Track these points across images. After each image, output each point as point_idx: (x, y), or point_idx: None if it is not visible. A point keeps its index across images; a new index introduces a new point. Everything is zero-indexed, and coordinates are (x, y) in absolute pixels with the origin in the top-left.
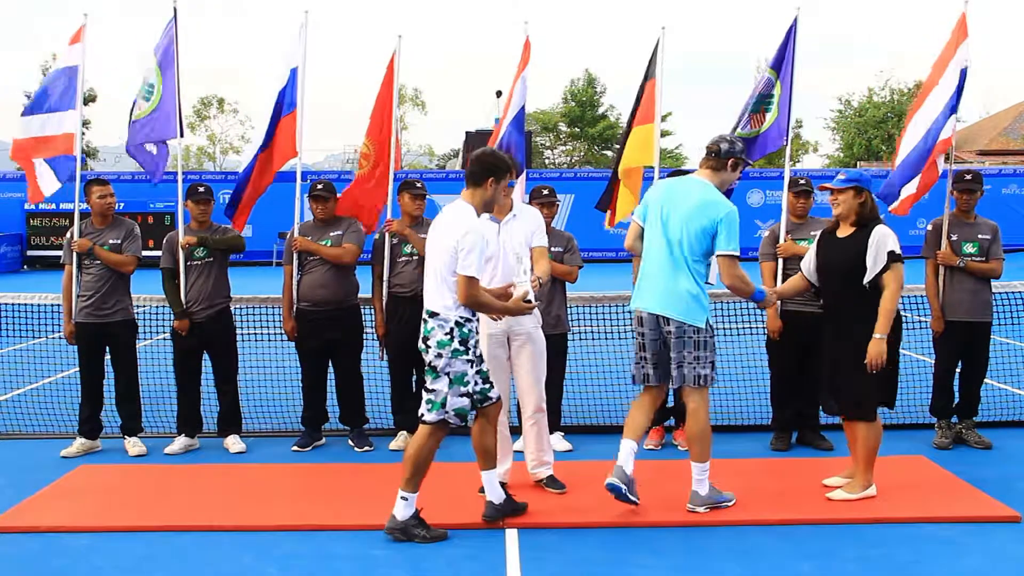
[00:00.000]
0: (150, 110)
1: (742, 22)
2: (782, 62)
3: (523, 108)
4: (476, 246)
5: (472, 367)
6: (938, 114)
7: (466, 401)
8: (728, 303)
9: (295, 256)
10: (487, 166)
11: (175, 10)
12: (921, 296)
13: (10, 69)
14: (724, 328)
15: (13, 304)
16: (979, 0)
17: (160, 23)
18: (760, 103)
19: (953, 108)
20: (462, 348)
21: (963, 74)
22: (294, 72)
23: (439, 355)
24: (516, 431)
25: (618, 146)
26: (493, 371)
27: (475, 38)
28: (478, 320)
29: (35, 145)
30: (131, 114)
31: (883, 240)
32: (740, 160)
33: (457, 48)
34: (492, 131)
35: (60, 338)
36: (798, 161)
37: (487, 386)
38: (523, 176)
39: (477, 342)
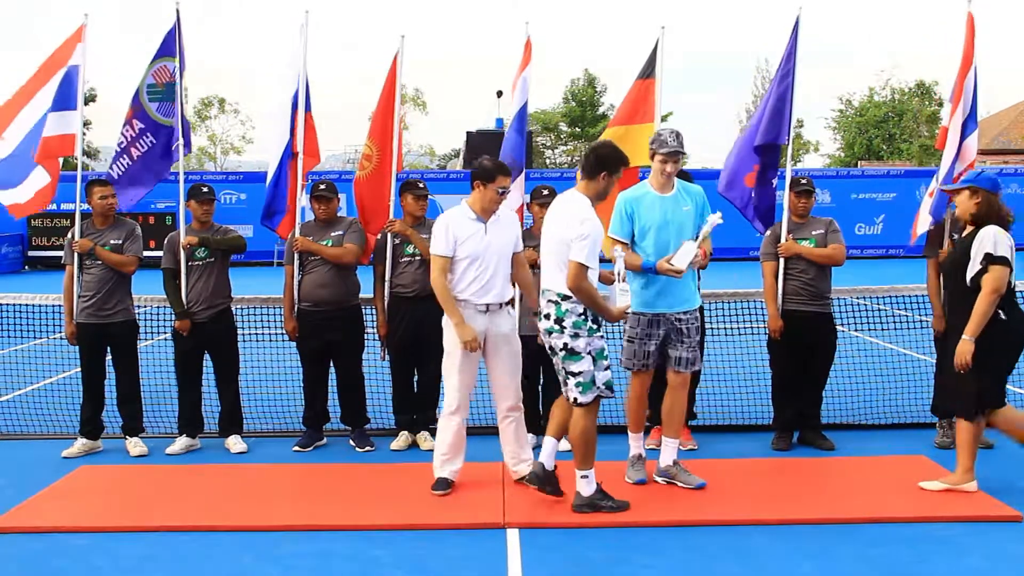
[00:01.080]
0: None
1: (742, 22)
2: (783, 59)
3: (525, 108)
4: (591, 235)
5: (604, 342)
6: (960, 123)
7: (610, 372)
8: (729, 303)
9: (296, 256)
10: (600, 159)
11: (177, 11)
12: (922, 295)
13: (10, 69)
14: (725, 328)
15: (14, 304)
16: (979, 0)
17: (159, 22)
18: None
19: (972, 117)
20: (596, 326)
21: (974, 76)
22: (299, 75)
23: (576, 335)
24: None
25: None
26: (464, 370)
27: (476, 38)
28: None
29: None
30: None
31: (985, 241)
32: (652, 151)
33: (458, 48)
34: (498, 132)
35: (61, 338)
36: (799, 161)
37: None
38: (522, 176)
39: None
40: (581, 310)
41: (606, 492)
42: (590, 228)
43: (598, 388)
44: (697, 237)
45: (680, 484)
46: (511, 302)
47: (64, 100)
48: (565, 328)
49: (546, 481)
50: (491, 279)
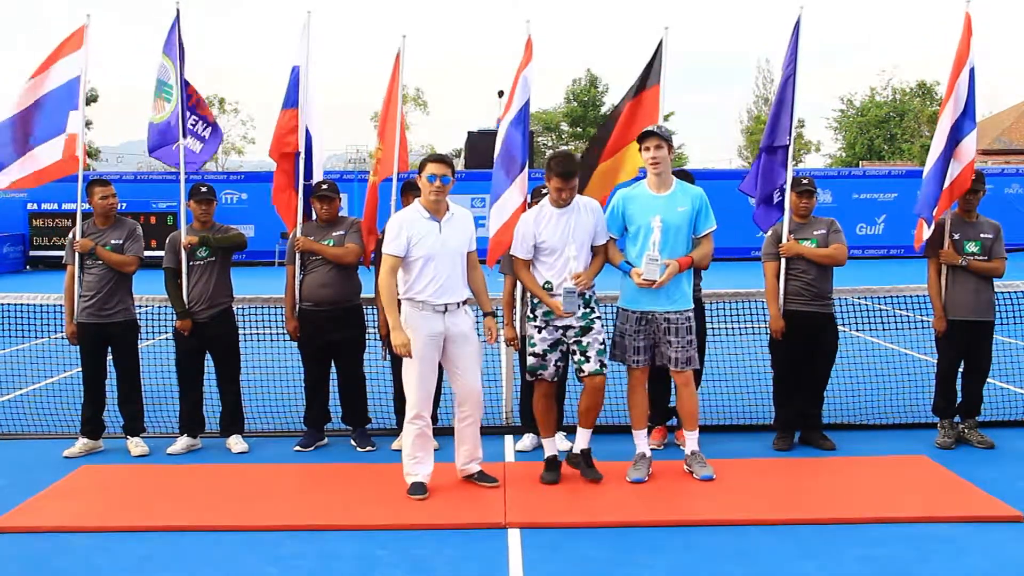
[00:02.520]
0: (171, 111)
1: (744, 22)
2: (784, 60)
3: (527, 106)
4: (518, 231)
5: (539, 332)
6: (953, 123)
7: (533, 360)
8: (731, 303)
9: (298, 256)
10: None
11: (177, 11)
12: (924, 295)
13: (11, 70)
14: (726, 328)
15: (15, 304)
16: (981, 1)
17: (160, 22)
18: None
19: (970, 116)
20: (531, 316)
21: (971, 75)
22: (295, 71)
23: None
24: (519, 431)
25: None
26: (423, 373)
27: (477, 38)
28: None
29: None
30: (153, 114)
31: None
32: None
33: (459, 48)
34: (497, 132)
35: (62, 338)
36: (800, 161)
37: (542, 361)
38: (524, 174)
39: (549, 314)
40: (528, 298)
41: (548, 467)
42: (518, 226)
43: (526, 370)
44: (650, 248)
45: (694, 473)
46: (467, 301)
47: (58, 114)
48: None
49: (586, 464)
50: (448, 278)
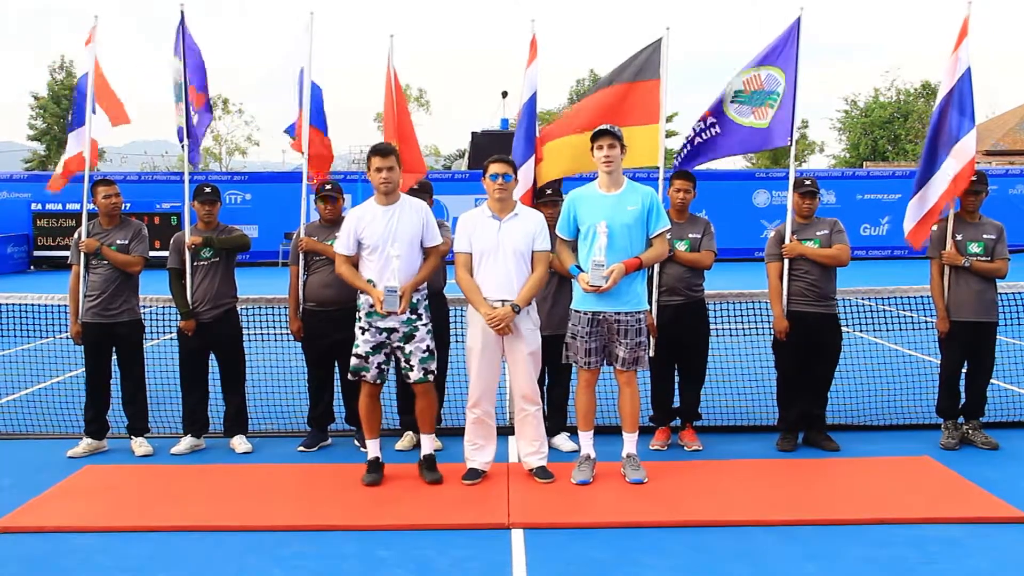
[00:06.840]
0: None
1: (746, 22)
2: (786, 59)
3: (532, 102)
4: (343, 227)
5: (363, 333)
6: (949, 123)
7: (356, 361)
8: (734, 303)
9: (301, 256)
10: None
11: (182, 12)
12: (927, 296)
13: (12, 69)
14: (730, 328)
15: (20, 304)
16: (985, 0)
17: (164, 22)
18: (765, 98)
19: (969, 117)
20: (357, 317)
21: (969, 76)
22: (302, 72)
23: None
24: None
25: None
26: (483, 366)
27: (480, 38)
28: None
29: (81, 159)
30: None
31: None
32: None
33: (462, 48)
34: (503, 132)
35: (67, 338)
36: (804, 162)
37: (364, 363)
38: (529, 167)
39: (372, 314)
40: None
41: (370, 469)
42: (343, 223)
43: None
44: (595, 254)
45: (626, 476)
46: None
47: (78, 117)
48: None
49: (426, 467)
50: (506, 275)
